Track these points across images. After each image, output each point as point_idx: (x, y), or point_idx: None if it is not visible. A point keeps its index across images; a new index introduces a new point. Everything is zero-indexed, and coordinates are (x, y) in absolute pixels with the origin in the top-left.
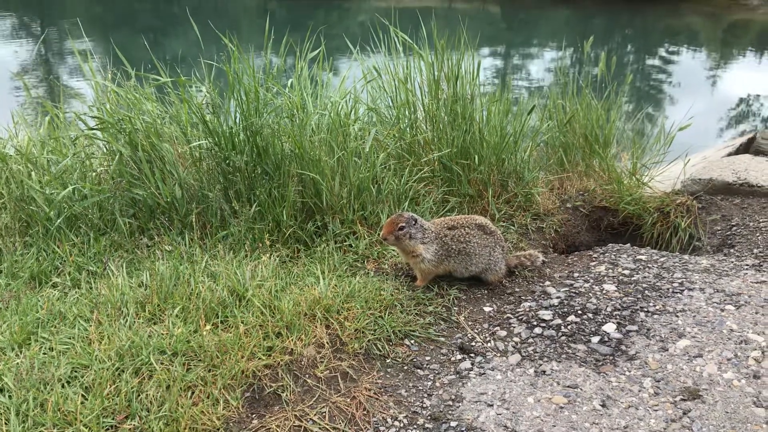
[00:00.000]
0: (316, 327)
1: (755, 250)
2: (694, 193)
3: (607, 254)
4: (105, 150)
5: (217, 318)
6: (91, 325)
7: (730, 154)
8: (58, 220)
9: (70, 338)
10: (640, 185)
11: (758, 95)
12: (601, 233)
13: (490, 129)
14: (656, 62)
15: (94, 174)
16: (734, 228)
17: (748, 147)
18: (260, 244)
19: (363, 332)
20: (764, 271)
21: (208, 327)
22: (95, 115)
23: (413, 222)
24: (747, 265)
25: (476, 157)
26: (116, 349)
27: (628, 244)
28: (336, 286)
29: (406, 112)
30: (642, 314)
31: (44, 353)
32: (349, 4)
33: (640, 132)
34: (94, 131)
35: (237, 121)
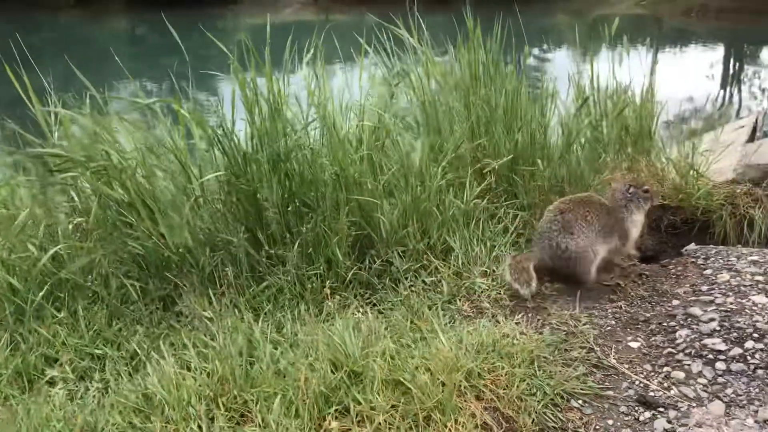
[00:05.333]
0: (468, 402)
1: None
2: (753, 181)
3: (711, 259)
4: (76, 197)
5: (330, 407)
6: None
7: (749, 139)
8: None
9: None
10: (700, 177)
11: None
12: (662, 234)
13: (539, 130)
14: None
15: (68, 228)
16: None
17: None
18: (323, 294)
19: (524, 399)
20: None
21: (334, 424)
22: (53, 152)
23: None
24: None
25: (539, 162)
26: None
27: (716, 246)
28: (459, 340)
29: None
30: None
31: None
32: (222, 23)
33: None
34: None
35: (255, 146)
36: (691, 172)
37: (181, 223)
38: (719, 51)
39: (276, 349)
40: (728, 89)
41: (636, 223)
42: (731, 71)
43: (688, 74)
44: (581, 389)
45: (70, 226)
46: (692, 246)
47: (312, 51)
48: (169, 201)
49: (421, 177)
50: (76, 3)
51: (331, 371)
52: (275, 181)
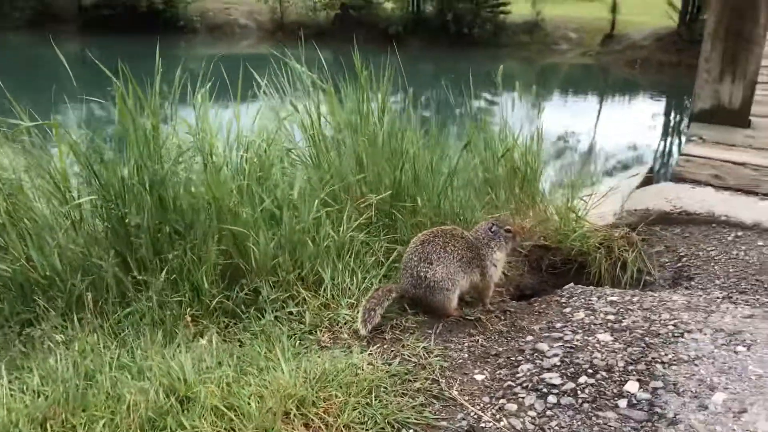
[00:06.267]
0: (294, 429)
1: (717, 282)
2: (631, 225)
3: (574, 298)
4: None
5: None
6: None
7: (642, 184)
8: None
9: None
10: (579, 220)
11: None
12: (543, 274)
13: (424, 168)
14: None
15: None
16: (684, 259)
17: (651, 178)
18: (185, 321)
19: (352, 428)
20: (740, 303)
21: None
22: None
23: None
24: (718, 298)
25: (418, 198)
26: None
27: (582, 286)
28: (299, 368)
29: (336, 151)
30: (659, 366)
31: None
32: (175, 52)
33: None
34: None
35: (132, 170)
36: (571, 215)
37: (52, 247)
38: (653, 101)
39: (121, 373)
40: (665, 139)
41: (497, 261)
42: (665, 121)
43: (616, 122)
44: (415, 419)
45: None
46: (569, 286)
47: (205, 83)
48: (45, 223)
49: (297, 209)
50: (27, 24)
51: (165, 396)
52: (147, 206)
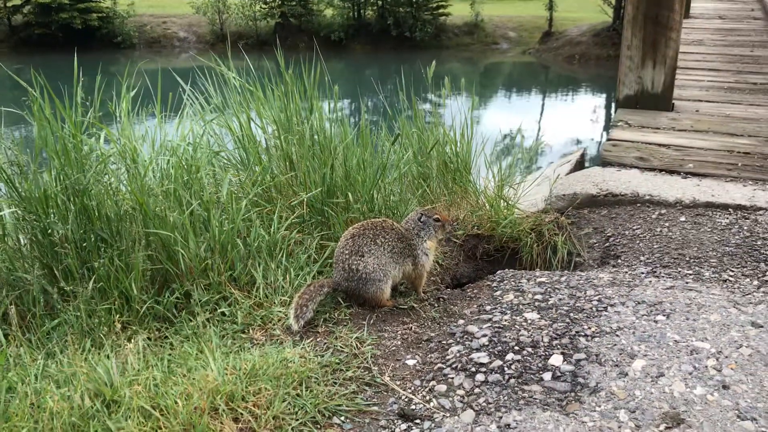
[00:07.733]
0: (222, 424)
1: (642, 258)
2: (560, 210)
3: (505, 282)
4: None
5: None
6: None
7: (572, 170)
8: None
9: None
10: (509, 208)
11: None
12: (478, 262)
13: (354, 164)
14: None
15: None
16: (611, 239)
17: (583, 162)
18: (111, 329)
19: (282, 419)
20: (662, 276)
21: None
22: None
23: None
24: (642, 273)
25: (350, 194)
26: None
27: (513, 270)
28: (230, 366)
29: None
30: (582, 339)
31: None
32: (115, 68)
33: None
34: None
35: (53, 180)
36: (501, 203)
37: None
38: (592, 94)
39: (47, 383)
40: (600, 128)
41: (428, 250)
42: (602, 112)
43: (556, 115)
44: (347, 406)
45: None
46: (502, 271)
47: (128, 93)
48: None
49: (226, 210)
50: None
51: (91, 401)
52: (71, 216)
